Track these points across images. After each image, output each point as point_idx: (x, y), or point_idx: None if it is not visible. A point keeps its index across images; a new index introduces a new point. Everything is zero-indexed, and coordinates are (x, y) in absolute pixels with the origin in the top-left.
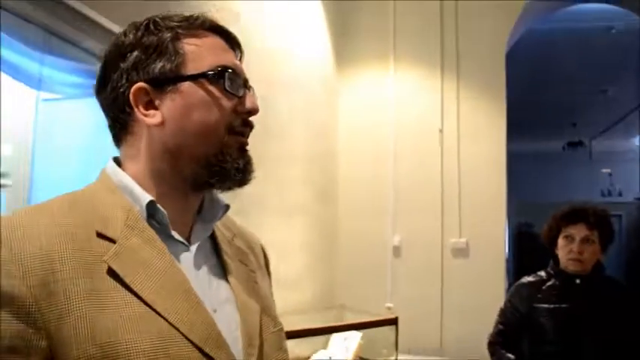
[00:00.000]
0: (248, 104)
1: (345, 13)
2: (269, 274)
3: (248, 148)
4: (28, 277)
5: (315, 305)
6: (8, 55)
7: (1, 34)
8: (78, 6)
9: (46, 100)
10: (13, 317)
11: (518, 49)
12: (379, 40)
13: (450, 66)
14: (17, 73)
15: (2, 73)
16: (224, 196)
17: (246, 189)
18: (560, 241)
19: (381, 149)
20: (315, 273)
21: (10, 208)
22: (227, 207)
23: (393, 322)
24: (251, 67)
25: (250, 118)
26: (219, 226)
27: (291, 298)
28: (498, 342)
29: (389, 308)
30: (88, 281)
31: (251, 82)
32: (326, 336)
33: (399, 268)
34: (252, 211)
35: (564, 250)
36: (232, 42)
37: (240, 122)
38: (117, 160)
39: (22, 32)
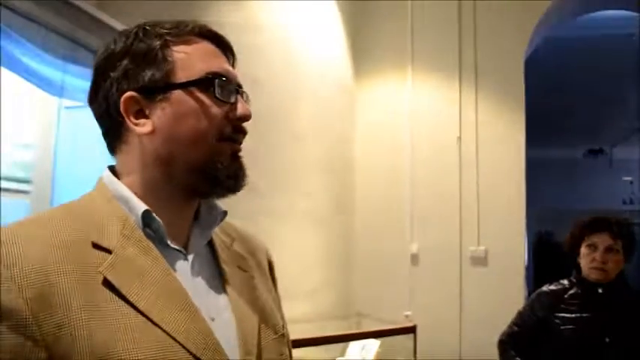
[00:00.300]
0: (240, 111)
1: (363, 24)
2: (274, 278)
3: (241, 154)
4: (25, 291)
5: (333, 313)
6: (32, 64)
7: (26, 43)
8: (100, 16)
9: (68, 107)
10: (12, 331)
11: (538, 57)
12: (396, 49)
13: (468, 74)
14: (40, 82)
15: (26, 82)
16: (226, 202)
17: (263, 198)
18: (583, 250)
19: (399, 158)
20: (332, 281)
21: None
22: (224, 213)
23: (412, 330)
24: (272, 77)
25: (244, 124)
26: (217, 233)
27: (309, 306)
28: (509, 342)
29: (407, 316)
30: (84, 293)
31: (272, 92)
32: (344, 344)
33: (417, 277)
34: (269, 220)
35: (587, 259)
36: (224, 47)
37: (232, 129)
38: (113, 168)
39: (46, 42)
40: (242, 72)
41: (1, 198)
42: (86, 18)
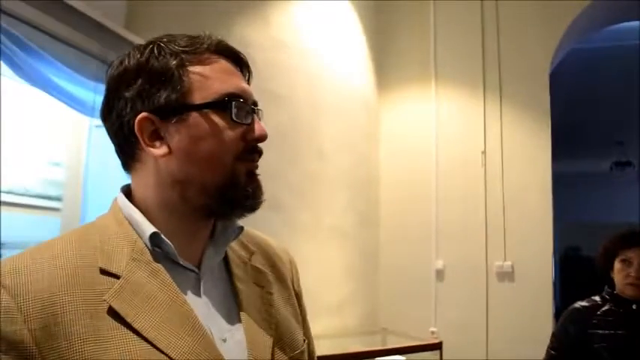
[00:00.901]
0: (256, 132)
1: (386, 40)
2: (297, 288)
3: (257, 172)
4: (30, 322)
5: (358, 329)
6: (64, 84)
7: (58, 64)
8: (129, 37)
9: (98, 126)
10: None
11: (563, 69)
12: (420, 64)
13: (492, 87)
14: (72, 101)
15: (58, 101)
16: (250, 217)
17: (288, 213)
18: (617, 265)
19: (423, 173)
20: (358, 297)
21: (64, 231)
22: (240, 229)
23: (438, 346)
24: (296, 93)
25: (259, 144)
26: (234, 248)
27: (335, 321)
28: None
29: (433, 333)
30: (88, 322)
31: (296, 108)
32: None
33: (442, 292)
34: (295, 235)
35: (621, 275)
36: (240, 62)
37: (248, 150)
38: (127, 188)
39: (78, 63)
40: (266, 88)
41: (32, 215)
42: (116, 39)
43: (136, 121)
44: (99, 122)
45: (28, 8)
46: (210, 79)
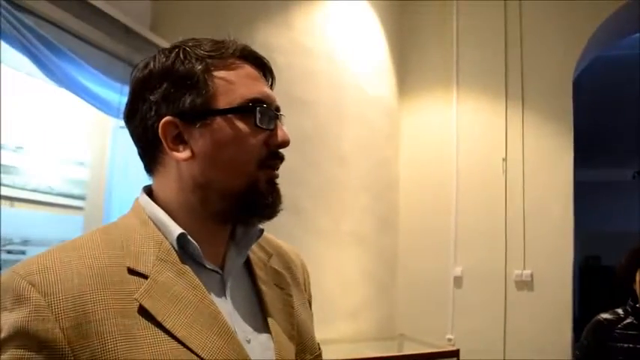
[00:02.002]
0: (280, 138)
1: (408, 45)
2: (308, 292)
3: (277, 181)
4: (62, 320)
5: (375, 335)
6: (91, 86)
7: (86, 66)
8: (155, 39)
9: (122, 127)
10: None
11: (586, 76)
12: (442, 70)
13: (514, 94)
14: (99, 103)
15: (84, 102)
16: (271, 221)
17: (308, 218)
18: (638, 277)
19: (443, 179)
20: (375, 302)
21: (87, 230)
22: (261, 232)
23: (455, 354)
24: (318, 99)
25: (281, 150)
26: (254, 250)
27: (351, 326)
28: None
29: (449, 340)
30: (120, 321)
31: (318, 113)
32: None
33: (460, 300)
34: (314, 240)
35: None
36: (263, 68)
37: (270, 155)
38: (149, 188)
39: (105, 64)
40: (288, 92)
41: (56, 214)
42: (142, 41)
43: (160, 124)
44: (123, 123)
45: (57, 10)
46: (234, 84)
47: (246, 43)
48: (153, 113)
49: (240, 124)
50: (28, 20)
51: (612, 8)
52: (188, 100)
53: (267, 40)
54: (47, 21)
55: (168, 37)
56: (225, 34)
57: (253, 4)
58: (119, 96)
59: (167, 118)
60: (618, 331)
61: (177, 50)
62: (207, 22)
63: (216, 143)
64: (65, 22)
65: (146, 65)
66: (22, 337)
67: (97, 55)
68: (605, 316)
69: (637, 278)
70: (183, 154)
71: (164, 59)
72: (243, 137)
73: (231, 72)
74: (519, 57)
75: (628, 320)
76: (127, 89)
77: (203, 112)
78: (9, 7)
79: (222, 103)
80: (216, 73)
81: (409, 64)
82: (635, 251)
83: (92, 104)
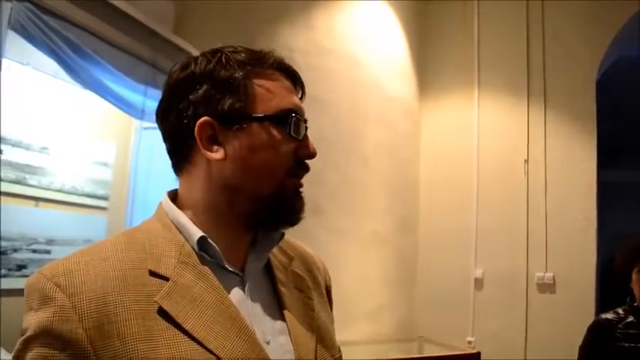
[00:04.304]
0: (310, 149)
1: (429, 45)
2: (330, 297)
3: (302, 189)
4: (85, 321)
5: (395, 336)
6: (117, 88)
7: (112, 69)
8: (178, 42)
9: (146, 128)
10: None
11: (610, 76)
12: (463, 70)
13: (536, 94)
14: (124, 105)
15: (108, 104)
16: None
17: (328, 218)
18: (634, 276)
19: (464, 180)
20: (395, 303)
21: (110, 230)
22: (282, 235)
23: (476, 357)
24: (339, 99)
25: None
26: (275, 253)
27: (371, 327)
28: None
29: (470, 342)
30: (140, 322)
31: (339, 114)
32: None
33: (480, 302)
34: (334, 240)
35: (637, 286)
36: (297, 82)
37: (299, 165)
38: (172, 193)
39: (129, 66)
40: (309, 93)
41: (80, 214)
42: (165, 44)
43: (197, 124)
44: (147, 124)
45: (82, 13)
46: (272, 93)
47: (267, 44)
48: (190, 112)
49: (275, 132)
50: (54, 23)
51: (636, 7)
52: (228, 103)
53: (287, 41)
54: (73, 24)
55: (191, 39)
56: (246, 35)
57: (274, 6)
58: (143, 98)
59: (205, 118)
60: (619, 330)
61: (219, 55)
62: (229, 24)
63: (250, 147)
64: (90, 24)
65: (186, 66)
66: (47, 336)
67: (122, 58)
68: (606, 316)
69: (633, 277)
70: (217, 154)
71: (206, 62)
72: (276, 144)
73: (270, 82)
74: (542, 56)
75: (629, 319)
76: (151, 91)
77: (241, 117)
78: (35, 11)
79: (260, 109)
80: (256, 81)
81: (430, 63)
82: (628, 249)
83: (117, 106)
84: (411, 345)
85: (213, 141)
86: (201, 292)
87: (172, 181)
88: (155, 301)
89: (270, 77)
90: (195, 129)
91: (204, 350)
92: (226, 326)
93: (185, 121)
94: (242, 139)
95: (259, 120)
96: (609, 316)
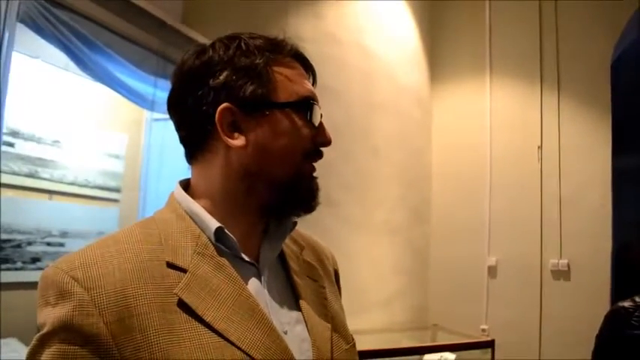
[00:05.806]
0: (327, 137)
1: (440, 29)
2: (339, 286)
3: (316, 174)
4: (105, 315)
5: (409, 325)
6: (127, 79)
7: (122, 61)
8: (189, 33)
9: (156, 119)
10: (93, 355)
11: (626, 59)
12: (474, 56)
13: (549, 79)
14: (134, 96)
15: (119, 95)
16: None
17: (340, 209)
18: None
19: (477, 167)
20: (408, 292)
21: (123, 222)
22: (294, 224)
23: (490, 344)
24: (350, 89)
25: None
26: (286, 242)
27: (384, 316)
28: None
29: (483, 330)
30: (161, 315)
31: (350, 104)
32: (419, 356)
33: (494, 290)
34: (346, 230)
35: None
36: (310, 70)
37: (314, 151)
38: (184, 183)
39: (139, 58)
40: (320, 83)
41: (93, 206)
42: (175, 35)
43: (218, 110)
44: (158, 116)
45: (92, 5)
46: (292, 80)
47: (277, 33)
48: (210, 99)
49: (295, 117)
50: (64, 16)
51: None
52: (249, 89)
53: (298, 30)
54: (82, 16)
55: (200, 30)
56: (255, 25)
57: None
58: (153, 89)
59: (225, 104)
60: (635, 318)
61: (238, 41)
62: (239, 13)
63: (272, 134)
64: (99, 16)
65: (203, 52)
66: (66, 331)
67: (131, 49)
68: (622, 304)
69: None
70: (238, 141)
71: (224, 48)
72: (297, 130)
73: (288, 69)
74: (554, 41)
75: None
76: (160, 82)
77: (264, 103)
78: (45, 4)
79: (282, 96)
80: (276, 68)
81: (441, 51)
82: None
83: (127, 97)
84: (424, 333)
85: (233, 128)
86: (220, 284)
87: (184, 171)
88: (175, 294)
89: (288, 65)
90: (216, 115)
91: (225, 342)
92: (246, 317)
93: (204, 107)
94: (264, 125)
95: (281, 107)
96: (627, 304)
